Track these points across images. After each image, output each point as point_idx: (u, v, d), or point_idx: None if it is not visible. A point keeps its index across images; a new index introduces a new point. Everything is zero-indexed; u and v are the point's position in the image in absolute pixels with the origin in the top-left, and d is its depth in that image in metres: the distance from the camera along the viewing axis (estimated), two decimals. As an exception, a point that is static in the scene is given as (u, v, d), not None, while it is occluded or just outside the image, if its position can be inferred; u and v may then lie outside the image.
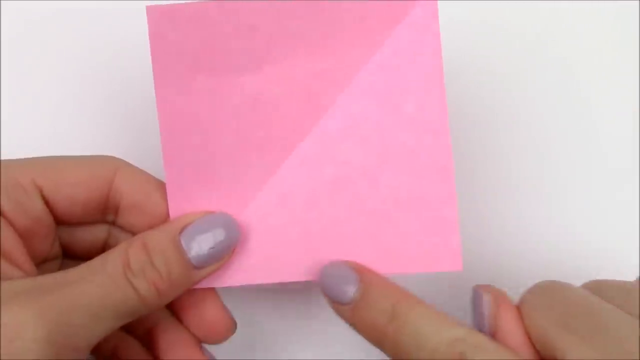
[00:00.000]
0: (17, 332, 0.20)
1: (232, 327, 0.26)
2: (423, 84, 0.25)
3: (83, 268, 0.23)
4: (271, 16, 0.23)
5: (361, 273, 0.24)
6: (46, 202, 0.24)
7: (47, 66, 0.33)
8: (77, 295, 0.21)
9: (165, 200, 0.25)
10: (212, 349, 0.27)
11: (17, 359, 0.20)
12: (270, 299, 0.31)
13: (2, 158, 0.25)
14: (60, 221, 0.25)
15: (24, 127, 0.32)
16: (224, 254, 0.24)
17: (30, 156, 0.25)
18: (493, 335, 0.22)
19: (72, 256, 0.27)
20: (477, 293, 0.23)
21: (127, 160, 0.26)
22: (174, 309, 0.26)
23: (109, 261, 0.23)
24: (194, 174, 0.25)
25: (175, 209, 0.25)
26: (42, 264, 0.25)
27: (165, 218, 0.25)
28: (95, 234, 0.26)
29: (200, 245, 0.24)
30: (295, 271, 0.25)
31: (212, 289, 0.26)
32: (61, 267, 0.26)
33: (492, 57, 0.33)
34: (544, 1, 0.34)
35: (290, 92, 0.25)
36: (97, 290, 0.22)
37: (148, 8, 0.20)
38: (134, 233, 0.26)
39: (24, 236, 0.24)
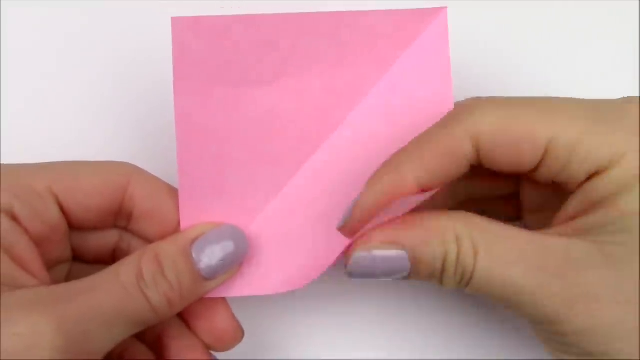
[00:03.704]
0: (36, 341, 0.20)
1: (240, 335, 0.26)
2: (432, 103, 0.26)
3: (97, 278, 0.23)
4: (290, 32, 0.23)
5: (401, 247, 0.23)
6: (61, 209, 0.25)
7: (62, 72, 0.33)
8: (93, 305, 0.22)
9: (178, 208, 0.25)
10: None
11: None
12: (270, 300, 0.31)
13: (17, 162, 0.25)
14: (73, 227, 0.25)
15: (37, 131, 0.32)
16: (233, 266, 0.25)
17: (46, 160, 0.26)
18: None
19: (82, 260, 0.27)
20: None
21: (139, 163, 0.26)
22: (184, 316, 0.26)
23: (122, 271, 0.23)
24: (207, 184, 0.25)
25: (187, 218, 0.25)
26: (52, 267, 0.25)
27: (178, 226, 0.25)
28: (106, 238, 0.27)
29: (210, 257, 0.24)
30: (300, 279, 0.26)
31: (222, 298, 0.26)
32: (70, 271, 0.26)
33: (499, 66, 0.33)
34: (549, 8, 0.35)
35: (304, 106, 0.25)
36: (112, 300, 0.22)
37: (173, 20, 0.20)
38: (146, 239, 0.26)
39: (38, 242, 0.24)
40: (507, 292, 0.23)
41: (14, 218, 0.23)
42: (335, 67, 0.25)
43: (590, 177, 0.23)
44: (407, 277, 0.24)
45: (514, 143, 0.23)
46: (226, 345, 0.26)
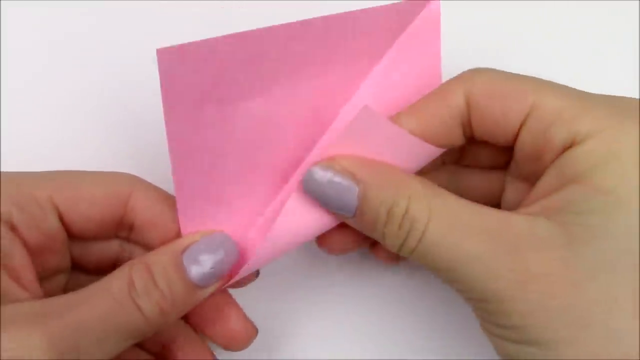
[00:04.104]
0: (27, 355, 0.20)
1: (254, 333, 0.27)
2: (421, 92, 0.26)
3: (89, 290, 0.23)
4: (278, 43, 0.23)
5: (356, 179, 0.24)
6: (61, 219, 0.25)
7: (62, 72, 0.33)
8: (84, 319, 0.22)
9: None
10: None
11: None
12: (272, 300, 0.31)
13: (17, 165, 0.25)
14: (74, 236, 0.25)
15: (37, 132, 0.32)
16: (224, 273, 0.25)
17: (44, 162, 0.26)
18: None
19: (82, 269, 0.27)
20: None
21: (139, 165, 0.27)
22: (196, 320, 0.27)
23: (113, 283, 0.23)
24: (204, 194, 0.25)
25: (187, 228, 0.25)
26: (50, 277, 0.25)
27: (180, 235, 0.25)
28: (106, 248, 0.27)
29: (201, 265, 0.24)
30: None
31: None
32: (69, 281, 0.26)
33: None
34: (549, 8, 0.34)
35: (296, 109, 0.25)
36: (103, 312, 0.22)
37: (158, 52, 0.19)
38: (148, 249, 0.26)
39: (36, 251, 0.24)
40: (457, 263, 0.22)
41: (12, 227, 0.23)
42: (325, 67, 0.25)
43: (566, 149, 0.23)
44: (354, 219, 0.24)
45: (503, 98, 0.24)
46: (241, 345, 0.27)
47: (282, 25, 0.22)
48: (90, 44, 0.33)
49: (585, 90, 0.24)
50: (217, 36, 0.20)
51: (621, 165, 0.22)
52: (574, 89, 0.24)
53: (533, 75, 0.25)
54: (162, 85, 0.20)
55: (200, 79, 0.21)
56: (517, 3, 0.34)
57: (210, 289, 0.25)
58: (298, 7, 0.33)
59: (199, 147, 0.23)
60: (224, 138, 0.24)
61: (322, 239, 0.27)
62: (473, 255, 0.22)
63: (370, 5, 0.24)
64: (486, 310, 0.23)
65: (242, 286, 0.27)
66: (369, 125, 0.24)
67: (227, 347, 0.26)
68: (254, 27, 0.28)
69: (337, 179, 0.24)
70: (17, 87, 0.33)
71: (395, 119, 0.25)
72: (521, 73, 0.25)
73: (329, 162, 0.24)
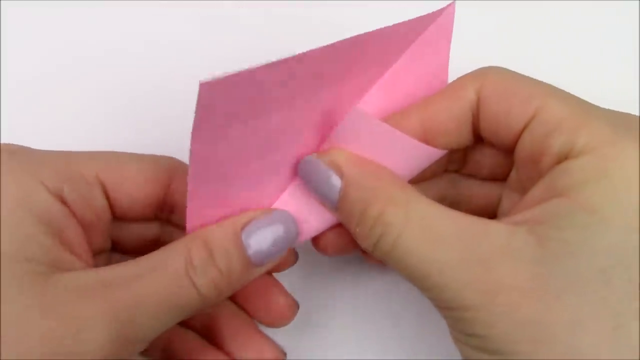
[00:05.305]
0: (86, 325, 0.20)
1: (296, 309, 0.27)
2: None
3: (145, 264, 0.22)
4: (309, 66, 0.23)
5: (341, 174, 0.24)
6: (107, 197, 0.25)
7: (62, 73, 0.33)
8: (142, 293, 0.21)
9: None
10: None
11: (81, 351, 0.20)
12: None
13: None
14: (116, 216, 0.25)
15: (38, 132, 0.32)
16: (283, 251, 0.24)
17: None
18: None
19: (120, 250, 0.27)
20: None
21: None
22: (238, 299, 0.27)
23: (170, 258, 0.23)
24: (216, 197, 0.24)
25: (193, 225, 0.24)
26: (93, 257, 0.25)
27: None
28: (147, 230, 0.27)
29: (260, 243, 0.23)
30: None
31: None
32: (108, 261, 0.26)
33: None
34: (549, 9, 0.35)
35: (307, 115, 0.25)
36: (161, 288, 0.22)
37: (201, 85, 0.19)
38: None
39: (84, 229, 0.24)
40: (428, 271, 0.22)
41: (62, 202, 0.23)
42: (341, 78, 0.25)
43: (562, 160, 0.23)
44: (337, 213, 0.25)
45: (511, 97, 0.24)
46: (284, 322, 0.27)
47: (314, 50, 0.22)
48: (90, 44, 0.34)
49: (592, 99, 0.24)
50: (253, 67, 0.20)
51: (612, 184, 0.21)
52: (582, 100, 0.24)
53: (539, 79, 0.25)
54: (197, 114, 0.20)
55: (234, 106, 0.21)
56: (517, 3, 0.35)
57: (267, 267, 0.24)
58: (302, 6, 0.35)
59: (218, 157, 0.23)
60: (242, 147, 0.23)
61: (317, 240, 0.27)
62: (444, 263, 0.22)
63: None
64: (453, 318, 0.23)
65: (280, 270, 0.27)
66: (360, 127, 0.24)
67: (271, 324, 0.27)
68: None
69: (325, 170, 0.24)
70: (21, 88, 0.33)
71: (406, 111, 0.26)
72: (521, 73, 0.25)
73: (322, 155, 0.25)
